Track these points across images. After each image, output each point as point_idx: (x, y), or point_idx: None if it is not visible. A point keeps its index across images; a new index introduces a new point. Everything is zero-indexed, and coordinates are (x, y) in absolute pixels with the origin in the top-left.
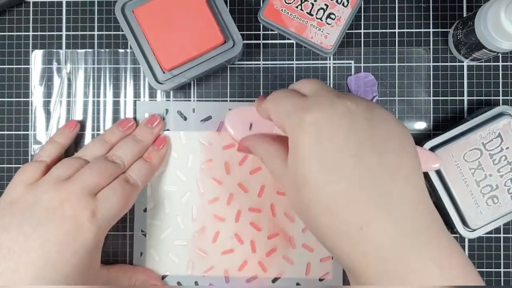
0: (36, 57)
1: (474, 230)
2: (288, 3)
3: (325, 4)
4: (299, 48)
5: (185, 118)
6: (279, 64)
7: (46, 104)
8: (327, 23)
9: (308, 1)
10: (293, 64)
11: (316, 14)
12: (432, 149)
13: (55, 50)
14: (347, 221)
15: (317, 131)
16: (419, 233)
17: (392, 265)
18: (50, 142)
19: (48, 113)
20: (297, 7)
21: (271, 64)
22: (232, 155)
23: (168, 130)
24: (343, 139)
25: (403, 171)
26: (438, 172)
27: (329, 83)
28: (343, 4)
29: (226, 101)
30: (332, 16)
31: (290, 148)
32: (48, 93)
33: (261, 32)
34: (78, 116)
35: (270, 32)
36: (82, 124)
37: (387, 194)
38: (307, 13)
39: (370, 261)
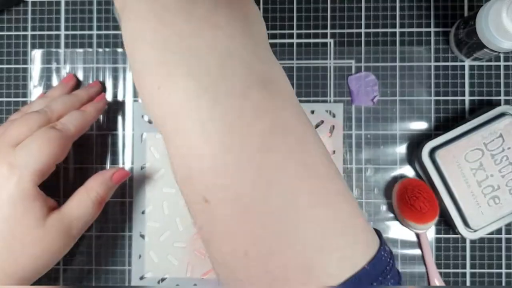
0: (35, 56)
1: (476, 230)
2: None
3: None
4: (299, 48)
5: None
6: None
7: None
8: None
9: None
10: (293, 64)
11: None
12: (434, 149)
13: (54, 49)
14: (149, 82)
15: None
16: (218, 89)
17: (181, 121)
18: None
19: None
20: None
21: None
22: None
23: None
24: (144, 2)
25: (213, 20)
26: (440, 173)
27: (330, 83)
28: None
29: None
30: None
31: None
32: None
33: None
34: None
35: (270, 31)
36: None
37: (189, 52)
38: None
39: (167, 121)
